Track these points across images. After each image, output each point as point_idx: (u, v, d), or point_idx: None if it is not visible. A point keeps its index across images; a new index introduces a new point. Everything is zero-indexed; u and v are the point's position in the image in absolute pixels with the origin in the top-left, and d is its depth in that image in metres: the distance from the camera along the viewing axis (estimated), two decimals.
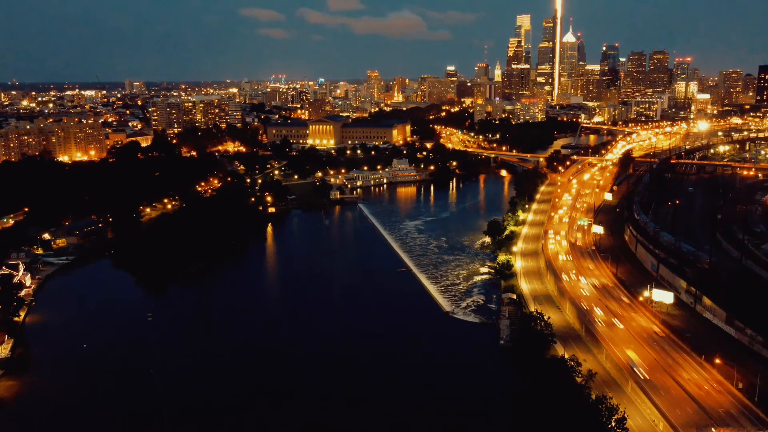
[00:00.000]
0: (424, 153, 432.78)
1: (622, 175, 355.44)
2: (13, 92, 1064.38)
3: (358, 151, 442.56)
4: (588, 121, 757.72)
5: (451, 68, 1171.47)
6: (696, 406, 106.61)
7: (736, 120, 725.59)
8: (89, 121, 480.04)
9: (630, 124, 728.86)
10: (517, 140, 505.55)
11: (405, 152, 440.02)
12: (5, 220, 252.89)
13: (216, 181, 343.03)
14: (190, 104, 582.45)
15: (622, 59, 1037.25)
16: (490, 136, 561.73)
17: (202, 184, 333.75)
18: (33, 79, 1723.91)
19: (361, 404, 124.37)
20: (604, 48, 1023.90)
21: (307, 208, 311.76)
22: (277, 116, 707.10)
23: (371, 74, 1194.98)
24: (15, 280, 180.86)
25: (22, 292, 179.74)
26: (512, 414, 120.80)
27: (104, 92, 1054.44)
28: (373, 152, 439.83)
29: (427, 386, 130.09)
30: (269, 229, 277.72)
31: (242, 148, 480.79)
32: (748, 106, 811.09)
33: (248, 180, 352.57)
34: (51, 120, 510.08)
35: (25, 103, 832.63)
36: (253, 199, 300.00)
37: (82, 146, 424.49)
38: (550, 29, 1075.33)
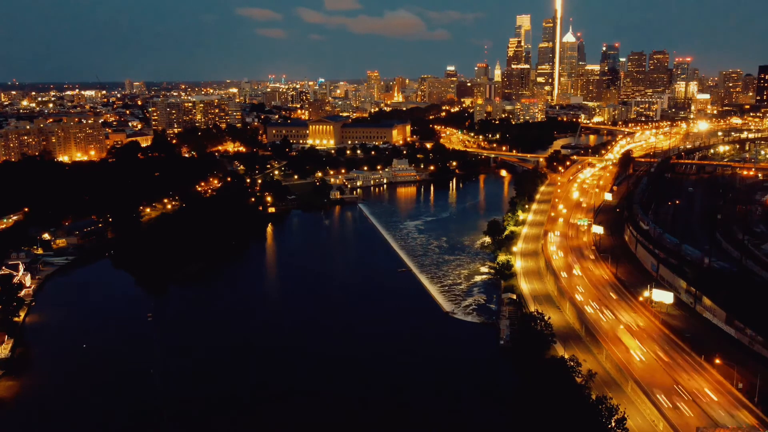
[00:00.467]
0: (424, 153, 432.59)
1: (622, 175, 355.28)
2: (13, 92, 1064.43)
3: (358, 151, 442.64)
4: (588, 121, 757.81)
5: (451, 68, 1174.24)
6: (696, 406, 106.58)
7: (736, 120, 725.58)
8: (89, 121, 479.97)
9: (630, 124, 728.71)
10: (517, 140, 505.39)
11: (405, 152, 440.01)
12: (5, 220, 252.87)
13: (216, 181, 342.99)
14: (190, 104, 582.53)
15: (622, 59, 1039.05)
16: (490, 136, 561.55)
17: (202, 184, 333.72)
18: (33, 79, 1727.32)
19: (360, 404, 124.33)
20: (604, 48, 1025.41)
21: (307, 208, 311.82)
22: (277, 116, 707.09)
23: (371, 74, 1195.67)
24: (15, 280, 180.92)
25: (22, 292, 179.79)
26: (512, 414, 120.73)
27: (104, 92, 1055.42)
28: (373, 152, 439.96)
29: (426, 386, 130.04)
30: (269, 229, 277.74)
31: (242, 148, 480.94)
32: (748, 106, 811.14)
33: (248, 180, 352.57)
34: (51, 120, 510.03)
35: (25, 103, 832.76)
36: (253, 199, 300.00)
37: (82, 146, 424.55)
38: (550, 29, 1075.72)
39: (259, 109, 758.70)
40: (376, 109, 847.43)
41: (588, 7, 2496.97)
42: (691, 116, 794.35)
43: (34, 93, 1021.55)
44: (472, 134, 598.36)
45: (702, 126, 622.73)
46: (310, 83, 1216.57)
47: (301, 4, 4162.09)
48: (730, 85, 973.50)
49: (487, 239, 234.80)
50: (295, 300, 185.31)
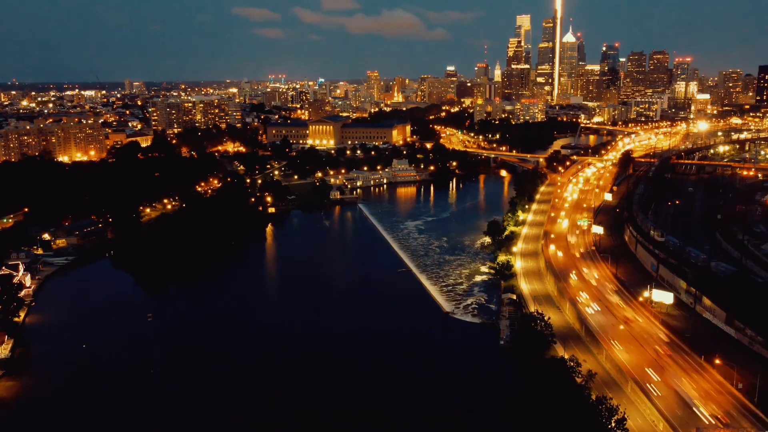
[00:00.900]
0: (424, 153, 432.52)
1: (622, 175, 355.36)
2: (13, 92, 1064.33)
3: (358, 152, 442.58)
4: (588, 122, 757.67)
5: (450, 68, 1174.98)
6: (696, 406, 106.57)
7: (736, 120, 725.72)
8: (89, 122, 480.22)
9: (630, 125, 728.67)
10: (517, 140, 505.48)
11: (405, 152, 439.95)
12: (5, 220, 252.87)
13: (216, 182, 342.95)
14: (190, 104, 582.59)
15: (622, 59, 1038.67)
16: (490, 136, 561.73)
17: (202, 184, 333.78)
18: (33, 79, 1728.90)
19: (360, 404, 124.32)
20: (604, 48, 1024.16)
21: (307, 208, 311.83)
22: (277, 116, 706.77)
23: (371, 74, 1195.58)
24: (15, 280, 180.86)
25: (22, 293, 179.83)
26: (512, 414, 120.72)
27: (104, 92, 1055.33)
28: (373, 152, 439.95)
29: (426, 386, 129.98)
30: (269, 229, 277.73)
31: (242, 149, 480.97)
32: (747, 107, 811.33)
33: (248, 180, 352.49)
34: (51, 120, 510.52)
35: (25, 103, 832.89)
36: (253, 200, 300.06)
37: (81, 146, 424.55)
38: (550, 29, 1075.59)
39: (259, 109, 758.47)
40: (376, 109, 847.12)
41: (588, 7, 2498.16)
42: (691, 116, 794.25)
43: (34, 93, 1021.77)
44: (472, 134, 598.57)
45: (702, 126, 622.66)
46: (310, 83, 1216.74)
47: (298, 3, 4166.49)
48: (730, 85, 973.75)
49: (487, 239, 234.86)
50: (294, 300, 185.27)
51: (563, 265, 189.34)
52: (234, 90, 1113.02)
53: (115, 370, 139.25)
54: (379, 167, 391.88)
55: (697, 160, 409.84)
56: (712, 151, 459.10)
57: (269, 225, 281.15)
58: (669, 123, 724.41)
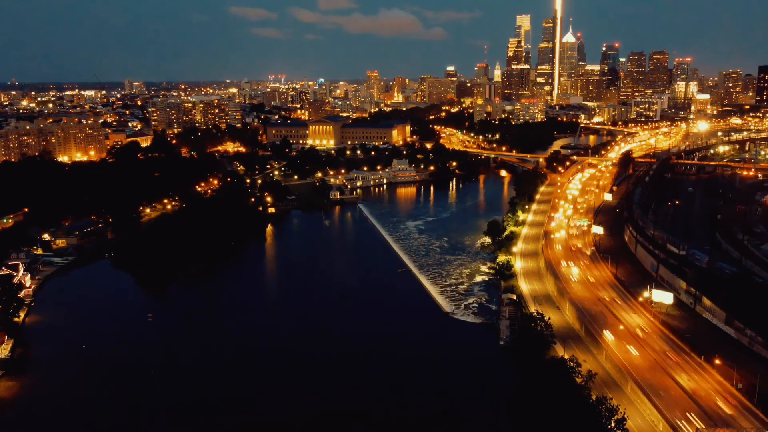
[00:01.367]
0: (424, 153, 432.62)
1: (621, 175, 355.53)
2: (13, 92, 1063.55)
3: (358, 152, 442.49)
4: (588, 122, 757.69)
5: (450, 68, 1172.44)
6: (696, 406, 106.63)
7: (735, 120, 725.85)
8: (89, 122, 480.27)
9: (630, 125, 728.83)
10: (517, 140, 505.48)
11: (405, 152, 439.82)
12: (5, 220, 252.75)
13: (216, 182, 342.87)
14: (190, 104, 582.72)
15: (622, 59, 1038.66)
16: (490, 136, 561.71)
17: (202, 184, 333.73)
18: (33, 79, 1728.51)
19: (360, 404, 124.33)
20: (604, 48, 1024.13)
21: (306, 208, 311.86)
22: (277, 116, 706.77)
23: (371, 74, 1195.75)
24: (15, 280, 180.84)
25: (22, 293, 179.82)
26: (512, 414, 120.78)
27: (104, 92, 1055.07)
28: (372, 152, 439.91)
29: (426, 387, 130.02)
30: (269, 229, 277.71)
31: (242, 149, 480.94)
32: (747, 107, 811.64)
33: (248, 180, 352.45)
34: (51, 120, 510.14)
35: (24, 103, 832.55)
36: (252, 200, 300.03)
37: (81, 146, 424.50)
38: (550, 29, 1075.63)
39: (259, 110, 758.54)
40: (376, 109, 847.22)
41: (588, 7, 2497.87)
42: (691, 116, 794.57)
43: (33, 93, 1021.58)
44: (472, 134, 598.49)
45: (702, 126, 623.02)
46: (310, 83, 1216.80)
47: (295, 3, 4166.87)
48: (730, 85, 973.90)
49: (487, 239, 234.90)
50: (294, 300, 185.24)
51: (563, 265, 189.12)
52: (234, 90, 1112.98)
53: (115, 371, 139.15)
54: (379, 167, 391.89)
55: (697, 160, 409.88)
56: (712, 151, 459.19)
57: (269, 225, 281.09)
58: (669, 123, 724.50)
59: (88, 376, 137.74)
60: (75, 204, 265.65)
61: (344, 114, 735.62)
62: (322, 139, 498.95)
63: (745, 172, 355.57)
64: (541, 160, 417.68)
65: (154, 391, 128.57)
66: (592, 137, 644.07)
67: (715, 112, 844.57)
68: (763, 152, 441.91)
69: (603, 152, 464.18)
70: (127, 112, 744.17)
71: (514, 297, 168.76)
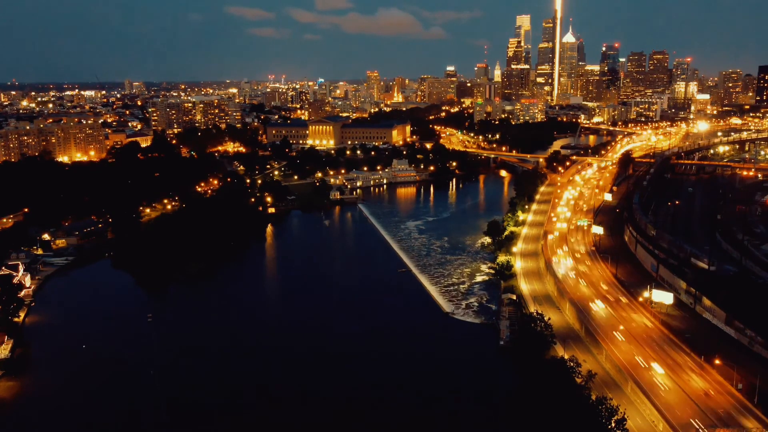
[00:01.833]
0: (424, 153, 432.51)
1: (621, 175, 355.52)
2: (13, 92, 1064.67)
3: (358, 152, 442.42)
4: (588, 122, 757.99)
5: (450, 68, 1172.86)
6: (695, 406, 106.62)
7: (735, 120, 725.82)
8: (89, 122, 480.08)
9: (630, 125, 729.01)
10: (517, 140, 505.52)
11: (405, 152, 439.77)
12: (5, 220, 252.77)
13: (216, 182, 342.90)
14: (190, 104, 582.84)
15: (622, 59, 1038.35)
16: (489, 136, 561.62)
17: (202, 184, 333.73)
18: (33, 79, 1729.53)
19: (360, 404, 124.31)
20: (603, 48, 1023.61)
21: (306, 208, 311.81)
22: (276, 116, 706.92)
23: (371, 74, 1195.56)
24: (15, 280, 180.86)
25: (22, 293, 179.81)
26: (512, 414, 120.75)
27: (104, 92, 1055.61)
28: (372, 153, 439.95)
29: (426, 387, 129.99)
30: (269, 229, 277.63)
31: (242, 149, 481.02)
32: (747, 107, 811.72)
33: (248, 180, 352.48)
34: (51, 120, 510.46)
35: (24, 103, 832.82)
36: (252, 200, 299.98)
37: (81, 146, 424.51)
38: (550, 29, 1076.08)
39: (259, 110, 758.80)
40: (376, 109, 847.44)
41: (588, 7, 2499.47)
42: (691, 116, 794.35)
43: (33, 93, 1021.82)
44: (472, 134, 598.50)
45: (702, 126, 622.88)
46: (310, 83, 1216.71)
47: (291, 3, 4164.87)
48: (730, 85, 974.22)
49: (487, 240, 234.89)
50: (294, 300, 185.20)
51: (563, 265, 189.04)
52: (234, 90, 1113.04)
53: (115, 371, 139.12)
54: (379, 167, 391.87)
55: (697, 160, 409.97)
56: (711, 151, 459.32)
57: (269, 225, 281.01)
58: (669, 123, 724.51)
59: (88, 376, 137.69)
60: (75, 204, 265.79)
61: (344, 114, 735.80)
62: (322, 139, 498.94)
63: (745, 172, 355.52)
64: (541, 160, 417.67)
65: (153, 390, 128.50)
66: (592, 137, 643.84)
67: (715, 112, 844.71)
68: (763, 152, 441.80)
69: (603, 152, 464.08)
70: (127, 112, 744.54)
71: (514, 297, 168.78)
